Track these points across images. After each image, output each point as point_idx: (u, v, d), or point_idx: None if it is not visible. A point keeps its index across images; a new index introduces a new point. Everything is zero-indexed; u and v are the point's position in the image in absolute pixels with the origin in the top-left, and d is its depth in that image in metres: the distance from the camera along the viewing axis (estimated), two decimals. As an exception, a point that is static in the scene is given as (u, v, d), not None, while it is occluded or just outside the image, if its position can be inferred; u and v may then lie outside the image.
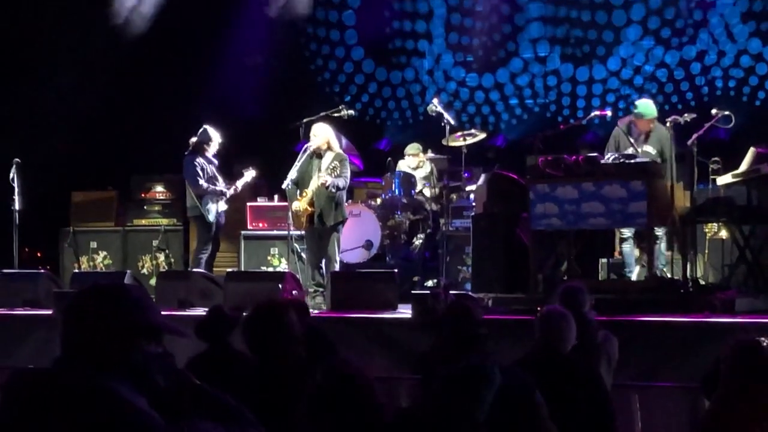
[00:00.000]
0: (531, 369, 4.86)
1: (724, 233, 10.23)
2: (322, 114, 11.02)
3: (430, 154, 12.53)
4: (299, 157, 10.09)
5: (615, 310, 7.86)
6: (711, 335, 7.44)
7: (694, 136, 9.32)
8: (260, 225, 12.21)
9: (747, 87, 13.61)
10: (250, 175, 11.14)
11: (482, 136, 12.23)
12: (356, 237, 11.55)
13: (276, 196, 12.13)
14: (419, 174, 12.34)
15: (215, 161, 11.00)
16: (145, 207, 12.85)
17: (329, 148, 10.09)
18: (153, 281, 11.30)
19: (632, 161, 8.87)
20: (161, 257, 12.52)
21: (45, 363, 2.76)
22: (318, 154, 10.04)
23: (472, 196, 11.60)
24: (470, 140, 11.81)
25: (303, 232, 10.28)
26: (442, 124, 11.49)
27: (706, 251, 10.53)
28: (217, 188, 10.84)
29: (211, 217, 10.75)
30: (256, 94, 13.89)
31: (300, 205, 9.94)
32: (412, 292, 9.22)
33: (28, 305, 9.87)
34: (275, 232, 11.95)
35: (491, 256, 9.34)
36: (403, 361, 7.86)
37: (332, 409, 3.46)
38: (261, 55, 14.42)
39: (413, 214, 11.99)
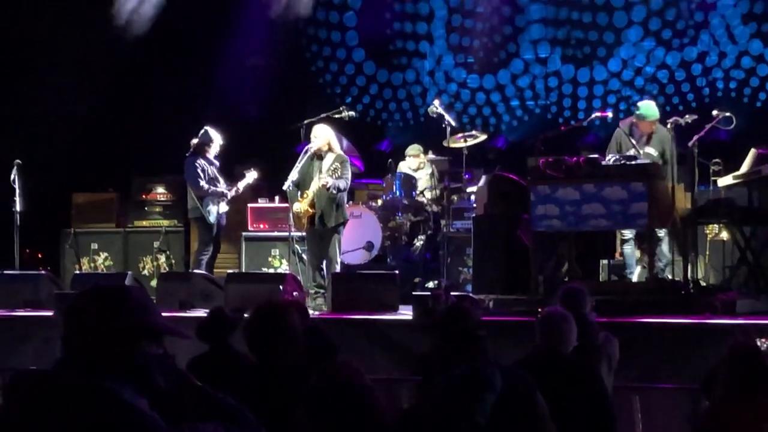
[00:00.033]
0: (532, 370, 4.85)
1: (725, 234, 10.23)
2: (323, 115, 11.02)
3: (431, 156, 12.53)
4: (300, 158, 10.10)
5: (616, 312, 7.86)
6: (712, 337, 7.44)
7: (695, 137, 9.32)
8: (261, 226, 12.21)
9: (748, 88, 13.61)
10: (251, 176, 11.13)
11: (483, 137, 12.23)
12: (357, 238, 11.56)
13: (277, 198, 12.13)
14: (420, 175, 12.34)
15: (216, 162, 11.00)
16: (146, 208, 12.86)
17: (330, 149, 10.10)
18: (154, 282, 11.30)
19: (633, 163, 8.87)
20: (162, 258, 12.52)
21: (46, 364, 2.77)
22: (319, 156, 10.05)
23: (472, 197, 11.60)
24: (471, 141, 11.81)
25: (304, 234, 10.28)
26: (443, 125, 11.49)
27: (707, 252, 10.54)
28: (218, 189, 10.84)
29: (212, 219, 10.75)
30: (256, 96, 13.89)
31: (301, 206, 9.95)
32: (413, 293, 9.24)
33: (29, 306, 9.88)
34: (276, 234, 11.95)
35: (492, 257, 9.35)
36: (403, 363, 7.86)
37: (327, 413, 3.47)
38: (262, 56, 14.42)
39: (414, 215, 12.00)
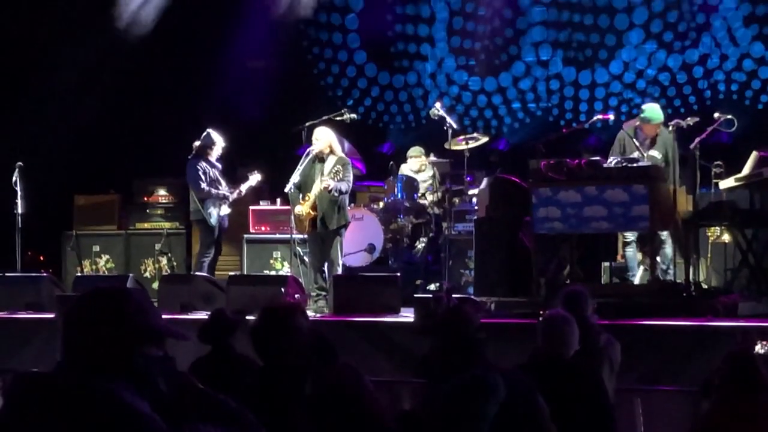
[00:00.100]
0: (533, 373, 4.86)
1: (726, 237, 10.22)
2: (325, 118, 11.01)
3: (432, 158, 12.53)
4: (302, 160, 10.10)
5: (617, 314, 7.85)
6: (713, 339, 7.43)
7: (697, 139, 9.31)
8: (263, 228, 12.22)
9: (749, 91, 13.60)
10: (255, 179, 11.14)
11: (485, 139, 12.23)
12: (359, 240, 11.55)
13: (278, 200, 12.13)
14: (422, 177, 12.33)
15: (218, 165, 11.00)
16: (147, 210, 12.88)
17: (332, 151, 10.10)
18: (155, 285, 11.30)
19: (634, 165, 8.87)
20: (164, 261, 12.53)
21: (47, 366, 2.76)
22: (320, 158, 10.05)
23: (474, 199, 11.60)
24: (473, 144, 11.80)
25: (305, 236, 10.29)
26: (445, 127, 11.50)
27: (709, 255, 10.53)
28: (220, 192, 10.84)
29: (213, 221, 10.75)
30: (258, 98, 13.89)
31: (302, 208, 9.95)
32: (415, 295, 9.23)
33: (30, 308, 9.87)
34: (278, 236, 11.95)
35: (494, 259, 9.34)
36: (405, 365, 7.86)
37: (328, 416, 3.47)
38: (263, 58, 14.42)
39: (416, 217, 11.99)
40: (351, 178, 10.10)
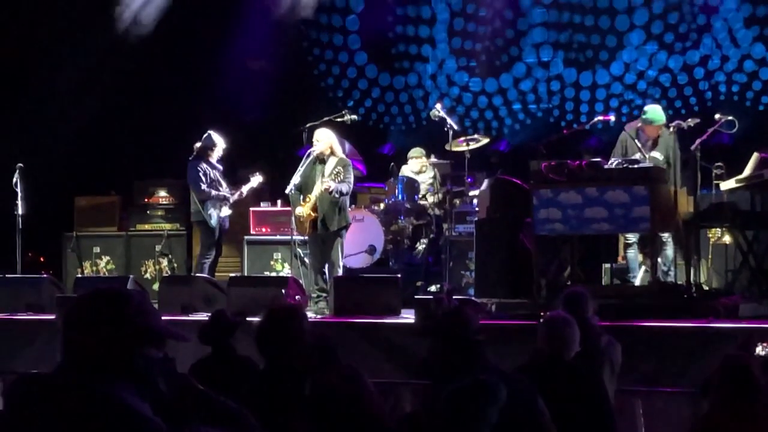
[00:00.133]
0: (534, 374, 4.85)
1: (727, 238, 10.22)
2: (325, 119, 11.01)
3: (433, 159, 12.52)
4: (302, 162, 10.10)
5: (618, 316, 7.84)
6: (714, 341, 7.43)
7: (698, 141, 9.30)
8: (263, 230, 12.22)
9: (750, 92, 13.59)
10: (256, 180, 11.14)
11: (485, 141, 12.24)
12: (359, 242, 11.55)
13: (279, 201, 12.12)
14: (422, 179, 12.33)
15: (219, 166, 11.00)
16: (148, 212, 12.87)
17: (332, 153, 10.10)
18: (156, 286, 11.30)
19: (635, 166, 8.86)
20: (164, 262, 12.53)
21: (48, 368, 2.76)
22: (321, 160, 10.05)
23: (475, 201, 11.59)
24: (473, 145, 11.81)
25: (306, 237, 10.28)
26: (445, 129, 11.50)
27: (710, 256, 10.52)
28: (221, 193, 10.83)
29: (213, 222, 10.75)
30: (259, 99, 13.89)
31: (303, 210, 9.94)
32: (415, 297, 9.23)
33: (31, 310, 9.87)
34: (278, 237, 11.95)
35: (494, 261, 9.34)
36: (406, 366, 7.86)
37: (328, 418, 3.47)
38: (264, 59, 14.42)
39: (416, 219, 11.99)
40: (352, 179, 10.10)
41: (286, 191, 10.16)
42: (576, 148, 11.93)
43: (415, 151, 12.52)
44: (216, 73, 13.76)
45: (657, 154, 9.88)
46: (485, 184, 10.87)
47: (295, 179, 10.03)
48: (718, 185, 10.11)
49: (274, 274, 11.79)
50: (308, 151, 10.15)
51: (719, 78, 13.71)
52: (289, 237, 10.81)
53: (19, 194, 11.44)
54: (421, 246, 11.95)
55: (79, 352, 2.63)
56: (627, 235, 10.12)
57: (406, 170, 12.40)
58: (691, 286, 8.86)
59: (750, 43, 13.59)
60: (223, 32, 13.77)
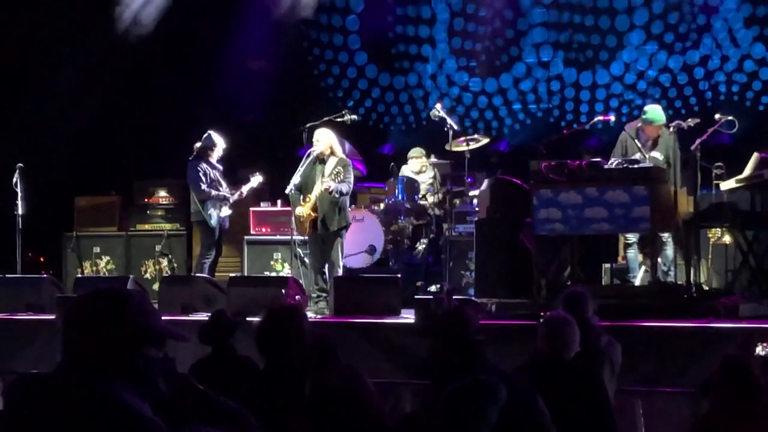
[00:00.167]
0: (533, 374, 4.85)
1: (727, 238, 10.22)
2: (325, 119, 11.01)
3: (433, 159, 12.52)
4: (302, 162, 10.10)
5: (618, 316, 7.85)
6: (714, 341, 7.43)
7: (698, 141, 9.30)
8: (263, 230, 12.22)
9: (750, 92, 13.59)
10: (256, 180, 11.14)
11: (485, 141, 12.24)
12: (359, 242, 11.55)
13: (279, 201, 12.12)
14: (422, 179, 12.33)
15: (219, 166, 11.00)
16: (148, 212, 12.88)
17: (332, 153, 10.10)
18: (156, 286, 11.30)
19: (635, 166, 8.86)
20: (164, 262, 12.53)
21: (48, 368, 2.76)
22: (321, 160, 10.05)
23: (475, 201, 11.60)
24: (473, 145, 11.81)
25: (306, 237, 10.28)
26: (445, 129, 11.50)
27: (710, 256, 10.52)
28: (220, 193, 10.84)
29: (213, 222, 10.75)
30: (259, 99, 13.89)
31: (303, 210, 9.94)
32: (415, 297, 9.24)
33: (31, 310, 9.87)
34: (278, 237, 11.95)
35: (494, 261, 9.34)
36: (406, 366, 7.86)
37: (328, 418, 3.47)
38: (264, 59, 14.42)
39: (416, 219, 11.99)
40: (352, 179, 10.10)
41: (286, 191, 10.16)
42: (576, 148, 11.94)
43: (415, 151, 12.52)
44: (216, 73, 13.76)
45: (657, 154, 9.88)
46: (485, 184, 10.87)
47: (295, 179, 10.03)
48: (718, 185, 10.11)
49: (274, 274, 11.79)
50: (308, 151, 10.15)
51: (719, 78, 13.71)
52: (289, 237, 10.81)
53: (19, 194, 11.44)
54: (421, 246, 11.95)
55: (79, 352, 2.63)
56: (627, 235, 10.11)
57: (406, 170, 12.40)
58: (691, 286, 8.86)
59: (750, 43, 13.59)
60: (223, 32, 13.77)
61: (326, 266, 10.03)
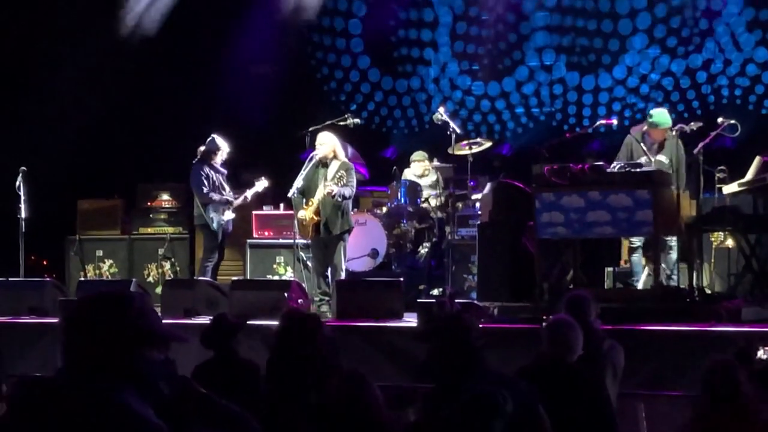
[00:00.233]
0: (536, 378, 4.85)
1: (730, 242, 10.21)
2: (328, 123, 11.01)
3: (435, 163, 12.52)
4: (305, 165, 10.10)
5: (621, 319, 7.85)
6: (717, 344, 7.42)
7: (700, 144, 9.31)
8: (266, 233, 12.21)
9: (753, 95, 13.60)
10: (261, 185, 11.16)
11: (488, 144, 12.24)
12: (362, 245, 11.55)
13: (282, 205, 12.12)
14: (425, 182, 12.33)
15: (223, 170, 11.01)
16: (150, 215, 12.88)
17: (335, 156, 10.10)
18: (159, 290, 11.31)
19: (638, 170, 8.86)
20: (167, 266, 12.53)
21: (51, 371, 2.77)
22: (324, 163, 10.05)
23: (477, 204, 11.59)
24: (476, 149, 11.81)
25: (309, 241, 10.28)
26: (448, 132, 11.50)
27: (712, 260, 10.51)
28: (223, 197, 10.85)
29: (215, 226, 10.76)
30: (261, 102, 13.89)
31: (306, 213, 9.95)
32: (418, 300, 9.24)
33: (33, 313, 9.87)
34: (281, 241, 11.95)
35: (497, 264, 9.33)
36: (408, 370, 7.86)
37: (331, 425, 3.47)
38: (267, 63, 14.43)
39: (419, 222, 11.98)
40: (354, 182, 10.11)
41: (289, 195, 10.17)
42: (579, 152, 11.93)
43: (418, 155, 12.51)
44: (219, 77, 13.77)
45: (663, 158, 9.87)
46: (488, 187, 10.87)
47: (298, 183, 10.03)
48: (720, 189, 10.11)
49: (276, 277, 11.79)
50: (311, 154, 10.16)
51: (722, 82, 13.71)
52: (292, 240, 10.80)
53: (22, 197, 11.45)
54: (423, 249, 11.94)
55: (81, 355, 2.63)
56: (632, 240, 10.11)
57: (409, 174, 12.40)
58: (694, 290, 8.85)
59: (752, 47, 13.59)
60: (226, 36, 13.79)
61: (329, 270, 10.03)
